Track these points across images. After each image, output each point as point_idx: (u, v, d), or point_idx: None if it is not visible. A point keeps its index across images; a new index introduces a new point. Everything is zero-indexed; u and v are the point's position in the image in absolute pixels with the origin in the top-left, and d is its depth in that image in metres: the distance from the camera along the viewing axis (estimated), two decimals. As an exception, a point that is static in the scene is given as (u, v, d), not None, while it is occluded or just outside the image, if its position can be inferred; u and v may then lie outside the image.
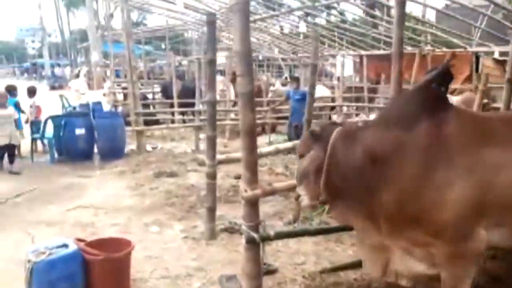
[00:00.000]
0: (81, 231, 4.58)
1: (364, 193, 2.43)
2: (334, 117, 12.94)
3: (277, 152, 4.63)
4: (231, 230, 4.58)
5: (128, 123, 8.75)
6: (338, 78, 21.65)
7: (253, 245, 3.02)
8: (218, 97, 11.69)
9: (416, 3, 11.78)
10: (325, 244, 4.25)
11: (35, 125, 8.48)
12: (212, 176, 4.22)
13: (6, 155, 7.16)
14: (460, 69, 12.63)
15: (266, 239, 3.11)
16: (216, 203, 4.36)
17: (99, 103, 12.56)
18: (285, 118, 11.58)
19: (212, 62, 3.94)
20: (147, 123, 9.38)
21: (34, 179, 6.70)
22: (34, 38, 77.08)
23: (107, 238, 3.52)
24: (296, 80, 9.59)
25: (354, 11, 18.66)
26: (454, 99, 7.07)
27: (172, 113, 13.00)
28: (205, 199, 4.26)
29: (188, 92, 12.00)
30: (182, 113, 12.49)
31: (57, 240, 3.15)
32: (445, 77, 2.62)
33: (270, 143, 10.19)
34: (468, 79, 12.87)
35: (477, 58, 12.99)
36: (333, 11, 19.22)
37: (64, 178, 6.83)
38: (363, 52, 15.80)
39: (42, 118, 8.64)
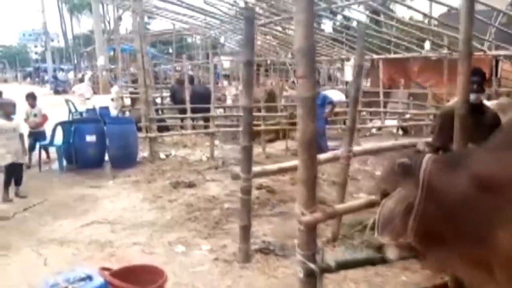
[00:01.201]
0: (98, 252, 4.13)
1: (476, 235, 1.91)
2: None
3: (318, 163, 4.16)
4: (266, 251, 4.12)
5: (138, 129, 8.32)
6: (347, 83, 21.30)
7: (311, 277, 2.55)
8: (231, 102, 11.31)
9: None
10: (374, 268, 3.78)
11: (38, 136, 7.66)
12: (247, 191, 3.76)
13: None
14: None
15: (327, 270, 2.64)
16: (251, 220, 3.89)
17: (107, 108, 12.15)
18: (295, 124, 11.14)
19: (249, 64, 3.50)
20: (157, 129, 8.93)
21: (42, 190, 6.24)
22: (37, 43, 77.00)
23: (135, 266, 3.06)
24: (316, 84, 9.15)
25: (358, 16, 18.20)
26: (489, 104, 6.63)
27: (182, 119, 12.59)
28: (240, 218, 3.80)
29: (199, 97, 11.57)
30: (192, 119, 12.05)
31: (79, 271, 2.68)
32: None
33: (287, 149, 9.78)
34: (487, 83, 12.44)
35: (497, 62, 12.57)
36: (338, 16, 18.94)
37: (75, 189, 6.37)
38: (375, 56, 15.36)
39: (46, 127, 7.94)
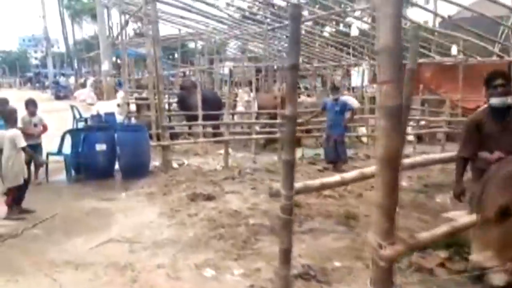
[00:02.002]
0: (119, 276, 3.71)
1: None
2: (363, 130, 12.08)
3: (363, 178, 3.75)
4: (306, 276, 3.70)
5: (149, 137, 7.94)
6: (353, 89, 20.94)
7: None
8: (243, 108, 10.91)
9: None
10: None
11: (34, 149, 6.17)
12: (288, 210, 3.34)
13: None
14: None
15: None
16: (292, 243, 3.46)
17: (112, 114, 11.76)
18: (308, 131, 10.78)
19: (294, 68, 3.10)
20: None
21: (51, 204, 5.82)
22: (37, 48, 76.78)
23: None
24: (336, 90, 8.76)
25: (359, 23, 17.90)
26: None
27: (189, 127, 12.20)
28: (280, 241, 3.38)
29: (209, 103, 11.17)
30: (203, 126, 11.65)
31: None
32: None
33: (302, 157, 9.36)
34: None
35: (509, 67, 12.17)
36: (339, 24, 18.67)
37: (86, 202, 5.95)
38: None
39: (44, 138, 7.07)
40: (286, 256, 3.43)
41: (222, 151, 9.80)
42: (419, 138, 12.12)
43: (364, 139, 11.89)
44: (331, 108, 8.27)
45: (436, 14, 13.11)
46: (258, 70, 19.66)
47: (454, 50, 10.84)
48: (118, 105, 12.56)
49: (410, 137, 12.08)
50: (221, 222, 5.04)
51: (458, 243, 4.03)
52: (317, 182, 3.53)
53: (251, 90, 11.59)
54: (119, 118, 11.57)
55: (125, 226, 4.99)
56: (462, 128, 3.42)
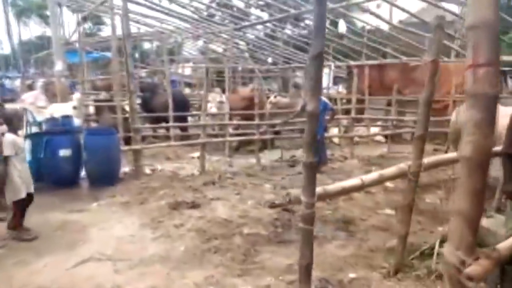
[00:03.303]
0: (107, 303, 3.17)
1: None
2: (335, 131, 11.92)
3: (382, 180, 3.43)
4: (325, 291, 3.32)
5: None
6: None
7: None
8: (215, 110, 10.43)
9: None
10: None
11: None
12: (310, 220, 2.94)
13: None
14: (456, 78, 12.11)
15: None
16: (313, 257, 3.06)
17: (69, 117, 10.90)
18: (277, 132, 10.49)
19: (319, 56, 2.73)
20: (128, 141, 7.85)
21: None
22: (-23, 50, 71.90)
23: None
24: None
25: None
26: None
27: (154, 129, 11.53)
28: (301, 254, 2.97)
29: (176, 104, 10.58)
30: (167, 129, 11.05)
31: None
32: None
33: (280, 158, 9.04)
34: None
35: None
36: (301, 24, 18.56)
37: (53, 214, 5.27)
38: (352, 63, 15.01)
39: None
40: (307, 272, 3.04)
41: (195, 155, 9.29)
42: (387, 138, 12.14)
43: (336, 140, 11.74)
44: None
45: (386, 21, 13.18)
46: (220, 72, 19.18)
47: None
48: (74, 108, 11.67)
49: (378, 137, 12.13)
50: (212, 233, 4.57)
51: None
52: (337, 186, 3.17)
53: (223, 91, 11.11)
54: (77, 121, 10.73)
55: (103, 241, 4.40)
56: (508, 124, 3.12)
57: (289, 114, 9.63)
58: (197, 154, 9.31)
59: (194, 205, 5.51)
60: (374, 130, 12.18)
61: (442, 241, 3.93)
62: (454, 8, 12.48)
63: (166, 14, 13.55)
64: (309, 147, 2.86)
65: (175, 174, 7.35)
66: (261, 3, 20.89)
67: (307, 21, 17.08)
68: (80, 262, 3.85)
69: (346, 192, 3.27)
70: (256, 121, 8.87)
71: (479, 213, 1.74)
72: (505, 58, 11.24)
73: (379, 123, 12.53)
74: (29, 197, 4.69)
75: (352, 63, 15.07)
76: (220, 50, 21.55)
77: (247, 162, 8.90)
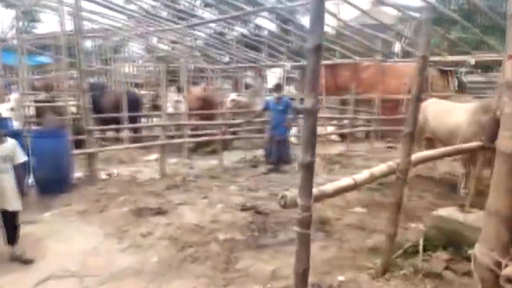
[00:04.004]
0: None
1: None
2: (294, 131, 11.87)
3: (373, 179, 3.31)
4: (318, 299, 3.15)
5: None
6: (270, 90, 20.88)
7: None
8: (172, 110, 10.00)
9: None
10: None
11: None
12: (307, 224, 2.75)
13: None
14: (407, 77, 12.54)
15: None
16: (310, 263, 2.86)
17: (7, 119, 10.00)
18: (234, 133, 10.31)
19: (318, 49, 2.54)
20: (79, 145, 7.29)
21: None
22: None
23: None
24: (279, 88, 8.30)
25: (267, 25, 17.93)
26: (466, 107, 6.46)
27: (103, 131, 10.89)
28: (297, 259, 2.76)
29: (128, 105, 10.03)
30: (117, 130, 10.48)
31: None
32: None
33: (243, 158, 8.83)
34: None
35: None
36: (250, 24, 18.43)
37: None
38: (305, 62, 15.09)
39: None
40: (304, 278, 2.86)
41: (151, 157, 8.84)
42: (343, 137, 12.31)
43: (294, 140, 11.71)
44: (274, 108, 7.82)
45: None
46: (172, 71, 18.62)
47: (397, 48, 11.11)
48: (12, 109, 10.74)
49: (333, 136, 12.27)
50: (185, 241, 4.26)
51: (456, 242, 3.83)
52: (330, 187, 3.00)
53: (178, 91, 10.69)
54: (16, 124, 9.86)
55: (64, 256, 3.94)
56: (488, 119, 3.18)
57: (249, 114, 9.46)
58: (153, 156, 8.89)
59: (160, 211, 5.16)
60: (330, 129, 12.32)
61: (425, 239, 3.92)
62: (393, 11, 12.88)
63: (111, 9, 12.84)
64: (307, 146, 2.66)
65: (134, 179, 6.91)
66: (209, 1, 20.49)
67: (256, 21, 16.93)
68: (42, 281, 3.40)
69: (341, 191, 3.11)
70: (218, 121, 8.58)
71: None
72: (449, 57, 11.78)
73: (333, 122, 12.70)
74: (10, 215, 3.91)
75: (305, 63, 15.16)
76: (167, 48, 20.81)
77: (207, 163, 8.59)
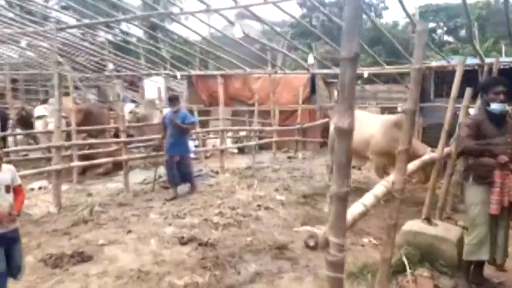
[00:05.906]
0: None
1: None
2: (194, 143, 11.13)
3: (378, 201, 2.98)
4: None
5: None
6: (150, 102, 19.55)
7: None
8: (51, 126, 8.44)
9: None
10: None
11: None
12: (340, 267, 2.27)
13: None
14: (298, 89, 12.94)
15: None
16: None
17: None
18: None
19: (354, 59, 2.11)
20: None
21: None
22: None
23: None
24: (176, 100, 7.16)
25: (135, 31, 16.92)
26: (382, 119, 6.73)
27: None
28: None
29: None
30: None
31: None
32: None
33: (154, 182, 7.68)
34: (308, 99, 13.33)
35: (313, 80, 13.49)
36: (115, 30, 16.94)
37: None
38: (193, 72, 14.45)
39: None
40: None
41: (34, 186, 7.31)
42: (241, 150, 12.06)
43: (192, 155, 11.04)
44: (171, 123, 6.90)
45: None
46: (15, 80, 16.07)
47: (310, 59, 11.10)
48: None
49: (231, 149, 11.93)
50: (136, 295, 3.40)
51: (431, 257, 3.77)
52: (349, 217, 2.58)
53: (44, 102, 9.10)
54: None
55: None
56: (463, 127, 3.42)
57: (149, 128, 8.52)
58: (37, 184, 7.37)
59: (82, 258, 4.10)
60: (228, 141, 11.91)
61: (407, 256, 3.77)
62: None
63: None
64: (341, 173, 2.20)
65: (24, 214, 5.50)
66: (63, 4, 18.18)
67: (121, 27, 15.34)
68: None
69: (358, 219, 2.73)
70: (125, 138, 7.48)
71: None
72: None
73: (229, 134, 12.33)
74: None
75: (193, 72, 14.44)
76: (14, 55, 17.55)
77: (107, 188, 7.44)
